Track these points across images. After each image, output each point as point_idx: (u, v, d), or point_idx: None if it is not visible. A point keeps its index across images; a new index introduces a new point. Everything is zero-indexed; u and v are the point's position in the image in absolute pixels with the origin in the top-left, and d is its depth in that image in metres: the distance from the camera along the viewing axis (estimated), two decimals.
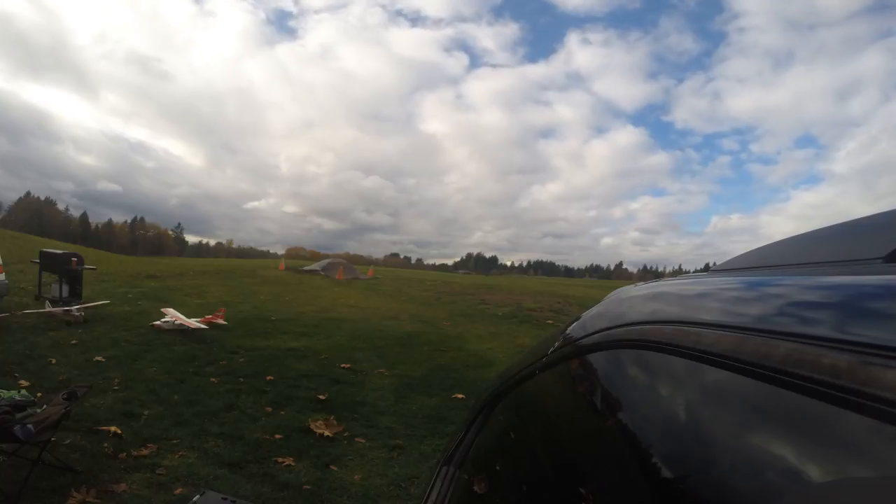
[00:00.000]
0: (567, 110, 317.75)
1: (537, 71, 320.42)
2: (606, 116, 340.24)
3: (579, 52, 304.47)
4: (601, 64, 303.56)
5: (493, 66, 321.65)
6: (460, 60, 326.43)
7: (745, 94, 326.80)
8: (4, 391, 3.08)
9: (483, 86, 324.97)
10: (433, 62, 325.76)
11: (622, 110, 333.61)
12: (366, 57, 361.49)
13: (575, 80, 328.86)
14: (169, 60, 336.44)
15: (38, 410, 2.93)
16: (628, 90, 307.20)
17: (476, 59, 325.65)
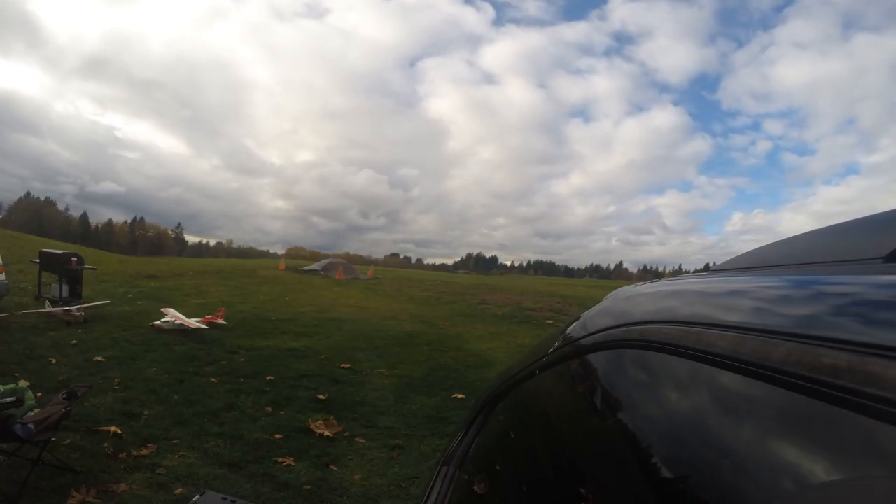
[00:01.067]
0: (604, 82, 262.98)
1: (576, 31, 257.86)
2: (650, 91, 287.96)
3: (629, 4, 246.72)
4: (653, 21, 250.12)
5: (520, 22, 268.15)
6: (485, 13, 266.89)
7: (801, 63, 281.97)
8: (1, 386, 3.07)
9: (507, 49, 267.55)
10: (448, 16, 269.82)
11: (667, 83, 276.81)
12: (364, 7, 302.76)
13: (620, 41, 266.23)
14: (135, 26, 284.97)
15: (33, 404, 2.93)
16: (679, 56, 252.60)
17: (502, 13, 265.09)
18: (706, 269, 0.80)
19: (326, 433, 3.92)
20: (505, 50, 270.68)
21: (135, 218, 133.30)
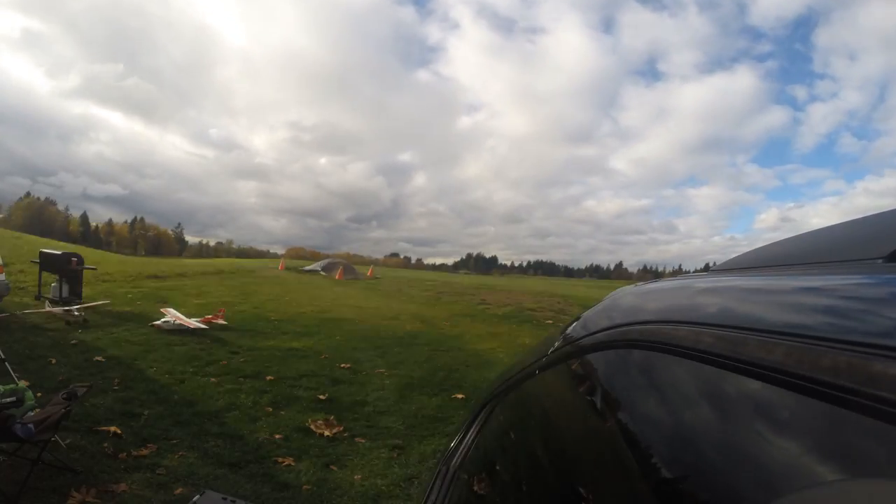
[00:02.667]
0: (687, 21, 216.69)
1: None
2: (737, 38, 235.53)
3: None
4: None
5: None
6: None
7: None
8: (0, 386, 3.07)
9: None
10: None
11: (758, 28, 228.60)
12: None
13: None
14: None
15: (33, 404, 2.93)
16: None
17: None
18: (706, 268, 0.80)
19: (327, 433, 3.92)
20: None
21: (135, 218, 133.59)
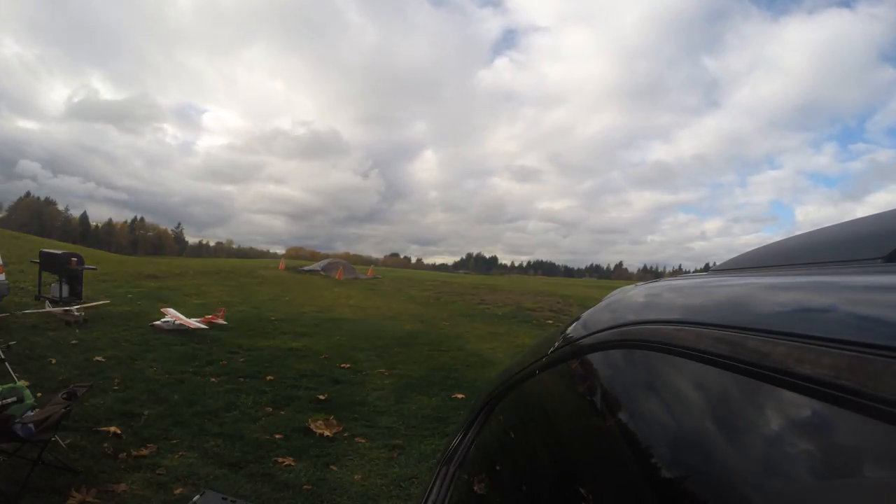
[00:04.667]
0: None
1: None
2: None
3: None
4: None
5: None
6: None
7: None
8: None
9: None
10: None
11: None
12: None
13: None
14: None
15: (32, 403, 2.93)
16: None
17: None
18: (706, 268, 0.80)
19: (326, 433, 3.92)
20: None
21: (135, 218, 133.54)
